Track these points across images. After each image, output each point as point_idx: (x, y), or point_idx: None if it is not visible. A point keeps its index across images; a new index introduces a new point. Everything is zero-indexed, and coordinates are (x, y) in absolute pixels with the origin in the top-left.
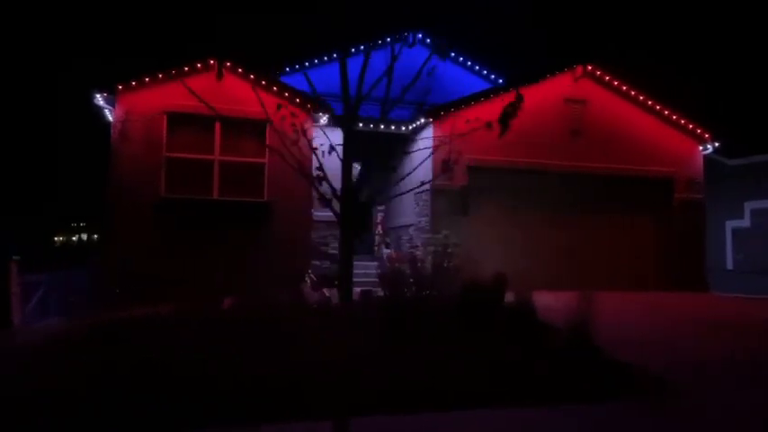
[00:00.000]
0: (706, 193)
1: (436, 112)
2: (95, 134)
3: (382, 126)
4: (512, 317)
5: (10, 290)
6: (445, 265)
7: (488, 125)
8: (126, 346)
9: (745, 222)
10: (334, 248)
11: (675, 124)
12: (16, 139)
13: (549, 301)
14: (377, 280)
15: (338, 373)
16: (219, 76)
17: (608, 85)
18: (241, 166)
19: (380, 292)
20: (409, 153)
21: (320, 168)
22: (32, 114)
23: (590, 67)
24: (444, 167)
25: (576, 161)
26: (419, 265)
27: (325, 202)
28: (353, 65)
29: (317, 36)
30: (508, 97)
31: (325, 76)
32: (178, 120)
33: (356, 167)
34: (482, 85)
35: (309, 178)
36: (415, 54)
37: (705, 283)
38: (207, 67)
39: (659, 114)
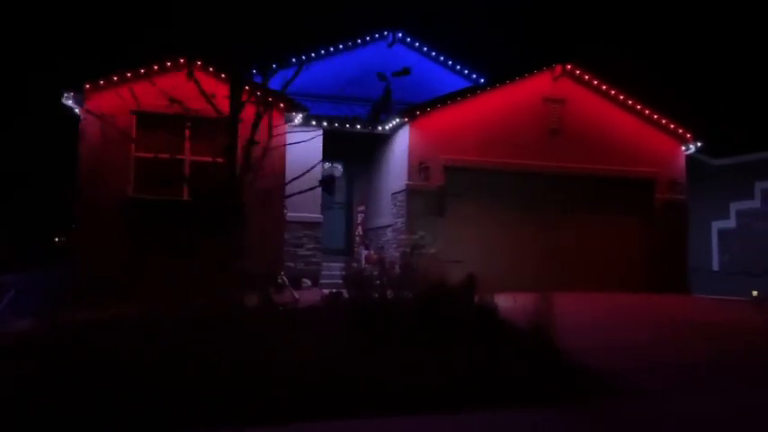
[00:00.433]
0: (690, 194)
1: (412, 111)
2: (67, 134)
3: (359, 126)
4: (478, 319)
5: None
6: (414, 266)
7: None
8: (89, 347)
9: (731, 223)
10: (308, 249)
11: (657, 124)
12: None
13: (525, 303)
14: None
15: (301, 375)
16: (190, 75)
17: (588, 85)
18: (212, 166)
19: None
20: (386, 153)
21: None
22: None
23: (569, 67)
24: (420, 169)
25: (556, 161)
26: (387, 266)
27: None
28: (330, 65)
29: (293, 35)
30: (485, 95)
31: (300, 75)
32: (148, 119)
33: (337, 167)
34: (463, 85)
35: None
36: (396, 53)
37: (687, 286)
38: (177, 66)
39: (640, 114)
